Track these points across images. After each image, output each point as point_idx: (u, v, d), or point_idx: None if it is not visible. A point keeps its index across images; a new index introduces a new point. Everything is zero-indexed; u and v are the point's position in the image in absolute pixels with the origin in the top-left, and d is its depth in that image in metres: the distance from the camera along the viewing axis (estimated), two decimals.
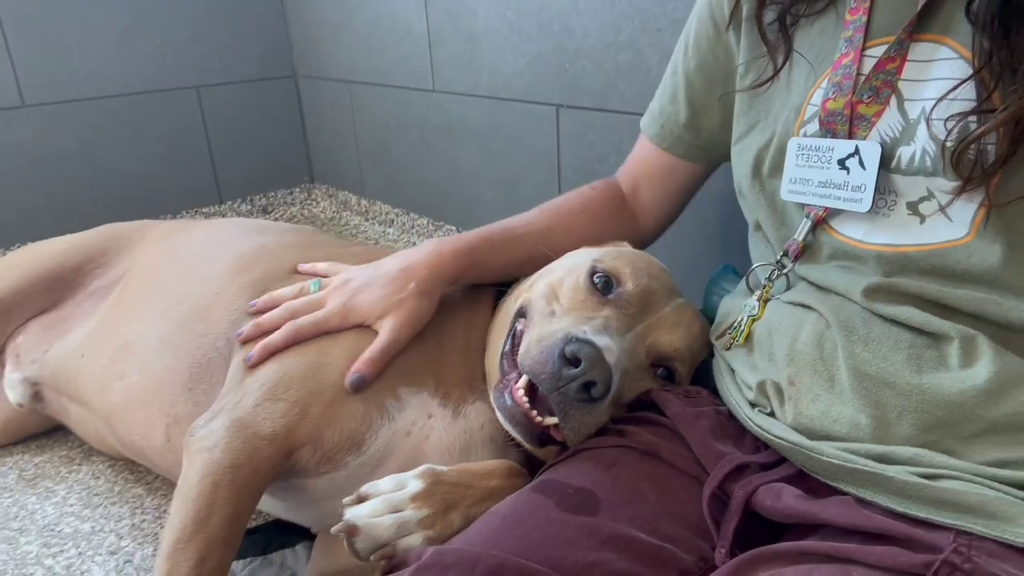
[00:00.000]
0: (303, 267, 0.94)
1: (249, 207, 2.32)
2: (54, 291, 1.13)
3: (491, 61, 1.59)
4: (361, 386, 0.77)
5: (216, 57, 2.15)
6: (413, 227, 2.06)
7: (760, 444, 0.66)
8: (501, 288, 0.91)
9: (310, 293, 0.86)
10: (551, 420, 0.68)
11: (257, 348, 0.80)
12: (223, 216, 2.25)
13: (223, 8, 2.13)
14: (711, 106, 0.83)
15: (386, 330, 0.79)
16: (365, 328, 0.82)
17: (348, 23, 2.01)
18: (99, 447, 1.12)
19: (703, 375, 0.80)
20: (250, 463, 0.72)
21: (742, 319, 0.73)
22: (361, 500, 0.66)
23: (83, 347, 1.02)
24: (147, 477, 1.12)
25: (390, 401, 0.79)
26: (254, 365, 0.80)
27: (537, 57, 1.46)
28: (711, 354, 0.80)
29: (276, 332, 0.81)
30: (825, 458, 0.57)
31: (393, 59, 1.89)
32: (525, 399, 0.69)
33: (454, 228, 1.92)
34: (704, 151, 0.89)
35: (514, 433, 0.70)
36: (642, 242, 0.98)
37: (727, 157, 0.83)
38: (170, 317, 0.94)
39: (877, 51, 0.62)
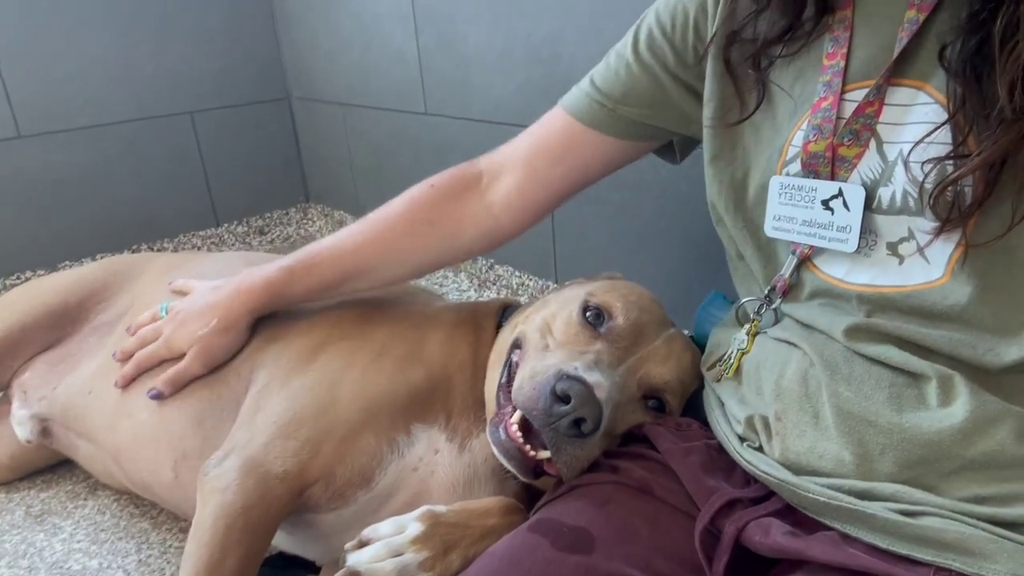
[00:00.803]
0: (175, 284, 1.06)
1: (245, 229, 2.34)
2: (58, 327, 1.15)
3: (482, 85, 1.61)
4: (158, 398, 0.92)
5: (210, 82, 2.18)
6: None
7: (750, 478, 0.68)
8: (505, 309, 0.93)
9: (161, 319, 0.99)
10: (544, 454, 0.70)
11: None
12: (220, 238, 2.27)
13: (216, 34, 2.16)
14: (643, 95, 0.81)
15: (185, 360, 0.92)
16: (372, 362, 0.84)
17: (341, 47, 2.03)
18: (107, 482, 1.14)
19: (695, 405, 0.82)
20: (263, 503, 0.74)
21: (731, 352, 0.75)
22: (362, 544, 0.68)
23: (91, 384, 1.04)
24: (152, 511, 1.13)
25: (401, 436, 0.80)
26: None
27: (527, 82, 1.48)
28: (702, 384, 0.81)
29: (127, 366, 0.97)
30: (810, 495, 0.59)
31: (386, 82, 1.91)
32: (519, 434, 0.71)
33: None
34: (641, 126, 0.84)
35: (509, 466, 0.72)
36: (496, 239, 0.93)
37: (669, 136, 0.84)
38: None
39: (855, 95, 0.63)
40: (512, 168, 0.91)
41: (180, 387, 0.92)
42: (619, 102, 0.83)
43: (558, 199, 0.92)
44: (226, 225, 2.31)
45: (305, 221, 2.47)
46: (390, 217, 0.93)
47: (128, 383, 0.96)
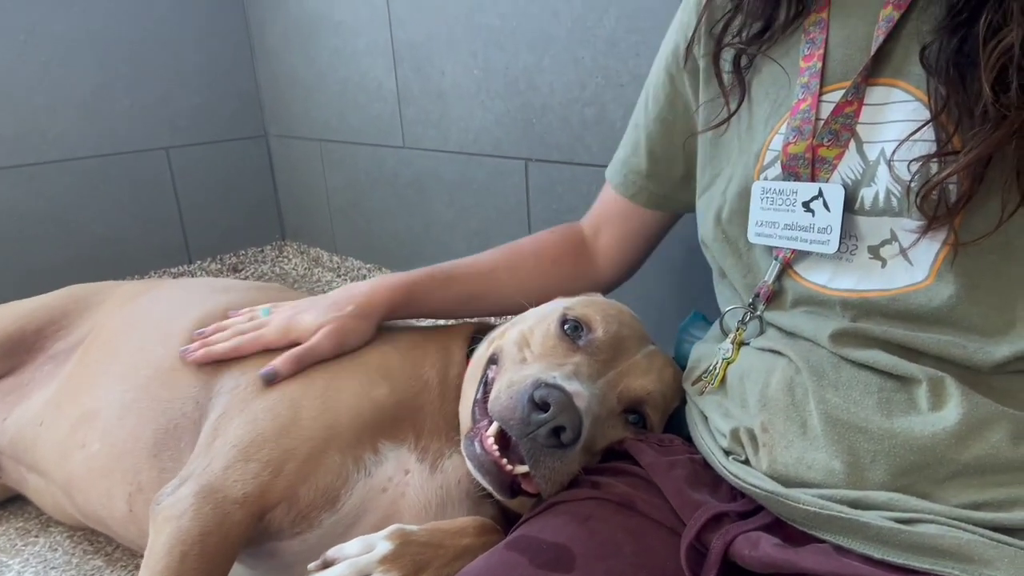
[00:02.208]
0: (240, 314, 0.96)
1: (219, 266, 2.30)
2: (14, 355, 1.10)
3: (460, 117, 1.61)
4: (272, 380, 0.81)
5: (186, 118, 2.16)
6: None
7: (737, 492, 0.65)
8: (476, 336, 0.91)
9: (261, 319, 0.91)
10: (522, 468, 0.66)
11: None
12: (192, 275, 2.23)
13: (194, 70, 2.15)
14: (673, 157, 0.85)
15: (316, 338, 0.84)
16: (333, 379, 0.81)
17: (319, 83, 2.04)
18: (59, 517, 1.07)
19: (676, 424, 0.79)
20: (220, 529, 0.70)
21: (716, 362, 0.73)
22: (327, 565, 0.64)
23: (42, 415, 0.99)
24: (107, 548, 1.07)
25: (368, 455, 0.77)
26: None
27: (505, 113, 1.49)
28: (683, 402, 0.79)
29: (220, 342, 0.87)
30: (801, 506, 0.57)
31: (364, 117, 1.91)
32: (495, 447, 0.67)
33: None
34: (666, 199, 0.91)
35: (484, 483, 0.69)
36: (600, 287, 1.00)
37: (691, 207, 0.84)
38: (133, 382, 0.91)
39: (833, 96, 0.63)
40: (604, 227, 0.99)
41: (303, 367, 0.82)
42: (648, 176, 0.89)
43: (649, 247, 0.99)
44: (199, 262, 2.27)
45: (280, 259, 2.44)
46: (523, 250, 0.99)
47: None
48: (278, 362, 0.81)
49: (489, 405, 0.69)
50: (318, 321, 0.85)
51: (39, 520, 1.14)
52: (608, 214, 0.97)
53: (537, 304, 0.90)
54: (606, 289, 1.01)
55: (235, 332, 0.88)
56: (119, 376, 0.93)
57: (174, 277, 2.19)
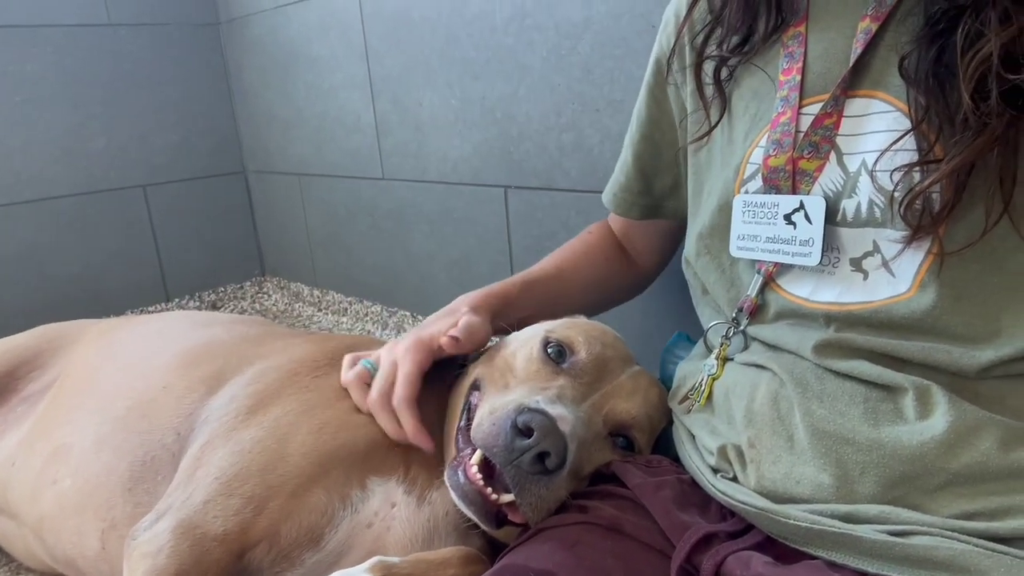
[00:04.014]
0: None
1: (198, 303, 2.27)
2: None
3: (438, 148, 1.61)
4: (454, 346, 0.79)
5: (164, 156, 2.15)
6: (367, 314, 2.03)
7: (726, 511, 0.64)
8: (462, 364, 0.89)
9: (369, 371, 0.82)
10: (507, 497, 0.65)
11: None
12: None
13: (171, 107, 2.15)
14: (661, 170, 0.88)
15: (447, 337, 0.80)
16: (326, 411, 0.79)
17: (297, 118, 2.04)
18: (30, 564, 1.03)
19: (662, 445, 0.78)
20: (198, 567, 0.67)
21: (702, 379, 0.72)
22: None
23: (14, 455, 0.96)
24: None
25: (355, 492, 0.75)
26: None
27: (483, 142, 1.49)
28: (670, 422, 0.78)
29: (368, 396, 0.79)
30: (792, 521, 0.56)
31: (342, 150, 1.91)
32: (479, 476, 0.66)
33: (408, 314, 1.90)
34: (657, 209, 0.93)
35: (468, 513, 0.67)
36: (644, 278, 1.06)
37: (682, 214, 0.85)
38: (109, 415, 0.89)
39: (813, 108, 0.63)
40: (622, 234, 1.02)
41: (467, 339, 0.80)
42: (639, 192, 0.92)
43: (668, 243, 1.01)
44: (177, 300, 2.24)
45: (260, 295, 2.41)
46: (575, 250, 1.01)
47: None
48: (445, 340, 0.79)
49: (472, 432, 0.67)
50: (442, 327, 0.82)
51: (9, 568, 1.09)
52: (616, 225, 1.02)
53: (596, 302, 0.97)
54: (649, 280, 1.07)
55: (357, 376, 0.82)
56: (94, 410, 0.91)
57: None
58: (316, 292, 2.23)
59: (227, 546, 0.69)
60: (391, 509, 0.75)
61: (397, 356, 0.80)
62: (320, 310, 2.22)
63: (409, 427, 0.75)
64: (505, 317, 0.90)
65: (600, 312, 1.06)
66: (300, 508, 0.72)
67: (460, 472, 0.67)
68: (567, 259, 1.00)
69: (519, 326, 0.88)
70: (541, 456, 0.63)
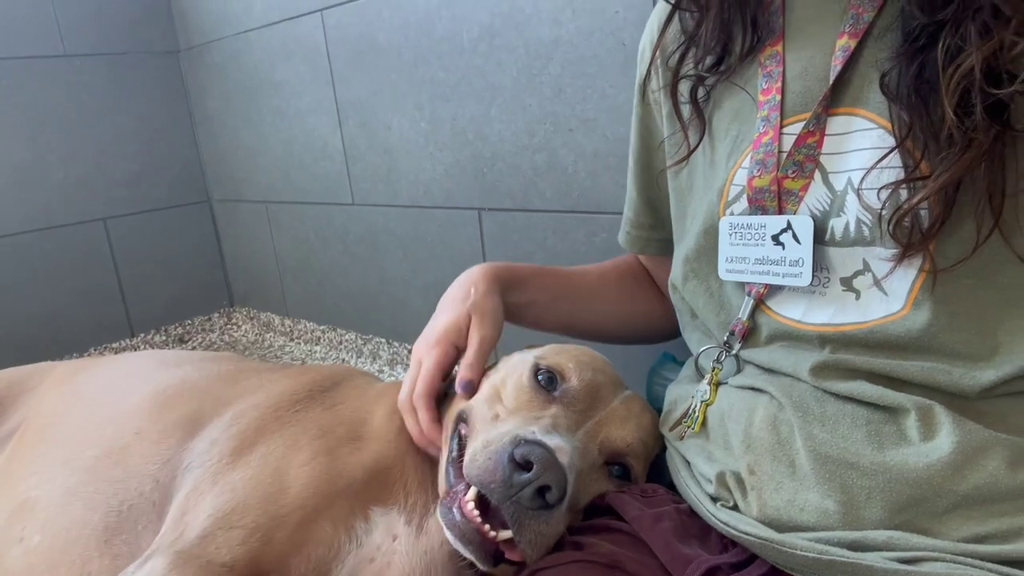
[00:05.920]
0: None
1: (164, 338, 2.21)
2: None
3: (409, 171, 1.59)
4: (469, 389, 0.77)
5: (124, 187, 2.10)
6: (341, 343, 1.99)
7: (727, 541, 0.62)
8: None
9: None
10: (505, 534, 0.62)
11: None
12: (136, 349, 2.13)
13: (130, 137, 2.10)
14: (664, 199, 0.84)
15: (473, 333, 0.79)
16: (315, 442, 0.76)
17: (263, 145, 2.00)
18: None
19: (657, 471, 0.76)
20: None
21: (694, 406, 0.70)
22: None
23: None
24: None
25: (360, 523, 0.72)
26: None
27: (455, 164, 1.47)
28: (663, 448, 0.76)
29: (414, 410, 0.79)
30: (799, 552, 0.54)
31: (311, 176, 1.88)
32: (476, 513, 0.63)
33: (383, 340, 1.86)
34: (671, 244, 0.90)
35: (466, 552, 0.64)
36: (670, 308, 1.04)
37: None
38: (77, 464, 0.84)
39: (794, 128, 0.62)
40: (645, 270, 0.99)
41: (482, 364, 0.79)
42: (652, 227, 0.89)
43: None
44: (142, 335, 2.17)
45: (229, 326, 2.35)
46: (603, 266, 0.99)
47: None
48: (464, 372, 0.78)
49: (465, 468, 0.64)
50: (455, 318, 0.81)
51: None
52: (644, 263, 0.98)
53: (608, 323, 0.95)
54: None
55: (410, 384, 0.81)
56: (60, 460, 0.86)
57: (115, 352, 2.09)
58: (287, 321, 2.19)
59: (238, 573, 0.66)
60: (392, 542, 0.73)
61: (421, 354, 0.80)
62: (292, 340, 2.18)
63: (424, 421, 0.76)
64: (513, 293, 0.88)
65: (623, 343, 1.03)
66: (308, 540, 0.70)
67: (455, 510, 0.64)
68: (580, 268, 0.98)
69: (520, 315, 0.88)
70: (541, 491, 0.60)
